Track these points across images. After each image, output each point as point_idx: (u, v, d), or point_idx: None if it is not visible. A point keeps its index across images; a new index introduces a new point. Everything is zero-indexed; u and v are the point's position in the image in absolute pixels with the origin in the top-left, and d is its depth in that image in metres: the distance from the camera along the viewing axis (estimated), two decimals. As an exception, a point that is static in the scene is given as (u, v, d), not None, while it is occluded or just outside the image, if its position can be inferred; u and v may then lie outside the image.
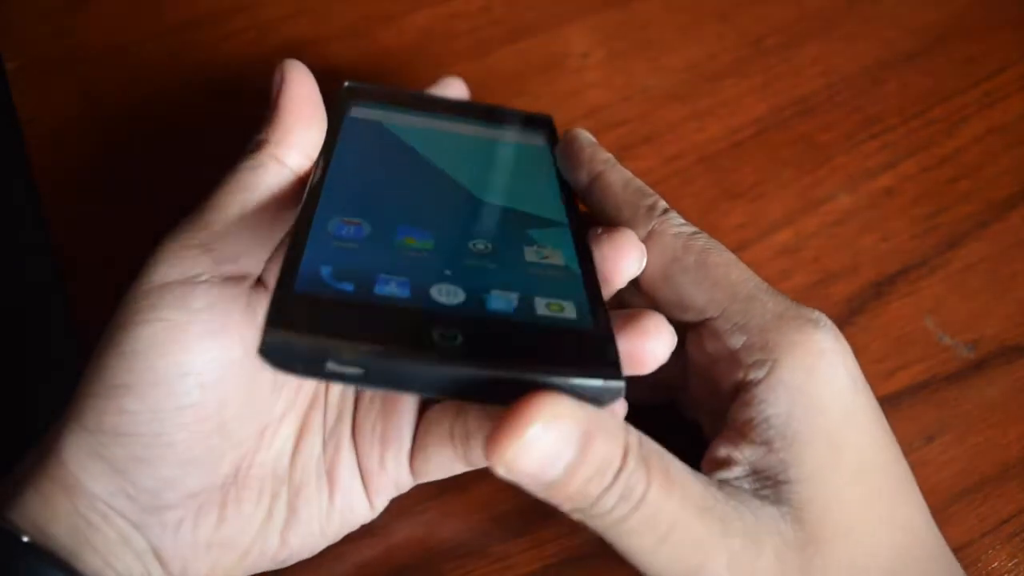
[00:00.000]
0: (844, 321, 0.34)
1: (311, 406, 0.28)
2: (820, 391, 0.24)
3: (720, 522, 0.23)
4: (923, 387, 0.33)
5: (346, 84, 0.30)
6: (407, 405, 0.28)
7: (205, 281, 0.24)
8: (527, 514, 0.30)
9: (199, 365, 0.23)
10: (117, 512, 0.23)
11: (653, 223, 0.26)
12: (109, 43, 0.39)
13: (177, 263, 0.24)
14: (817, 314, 0.25)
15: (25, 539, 0.22)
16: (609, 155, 0.28)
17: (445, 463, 0.27)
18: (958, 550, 0.30)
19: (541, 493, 0.21)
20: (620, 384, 0.21)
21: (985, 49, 0.40)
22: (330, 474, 0.27)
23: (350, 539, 0.29)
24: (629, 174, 0.28)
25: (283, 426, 0.27)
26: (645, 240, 0.26)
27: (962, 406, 0.32)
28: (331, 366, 0.20)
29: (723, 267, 0.25)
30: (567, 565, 0.29)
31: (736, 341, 0.25)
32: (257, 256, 0.25)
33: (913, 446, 0.31)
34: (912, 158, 0.38)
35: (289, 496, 0.26)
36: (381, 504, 0.28)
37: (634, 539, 0.22)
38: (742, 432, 0.24)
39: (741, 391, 0.25)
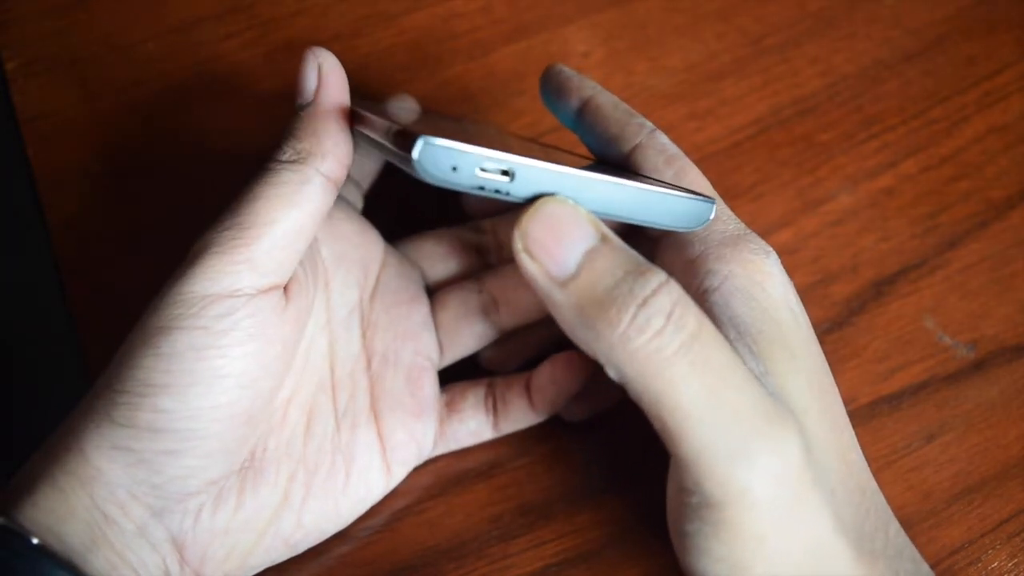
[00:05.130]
0: (844, 321, 0.34)
1: (318, 388, 0.28)
2: (772, 303, 0.25)
3: (767, 399, 0.22)
4: (923, 387, 0.33)
5: None
6: (432, 376, 0.30)
7: (247, 294, 0.24)
8: (527, 514, 0.30)
9: (239, 367, 0.24)
10: (138, 501, 0.24)
11: (641, 138, 0.27)
12: (109, 43, 0.39)
13: (222, 277, 0.24)
14: (770, 248, 0.26)
15: (35, 541, 0.22)
16: (596, 83, 0.29)
17: (475, 429, 0.30)
18: (958, 550, 0.30)
19: (566, 298, 0.22)
20: (712, 202, 0.25)
21: (985, 49, 0.40)
22: (346, 451, 0.28)
23: (352, 539, 0.29)
24: (617, 98, 0.29)
25: (292, 408, 0.27)
26: (632, 152, 0.27)
27: (962, 406, 0.32)
28: (481, 171, 0.21)
29: (696, 186, 0.27)
30: (567, 565, 0.29)
31: (695, 251, 0.25)
32: (292, 267, 0.26)
33: (913, 446, 0.31)
34: (912, 158, 0.38)
35: (305, 476, 0.27)
36: (400, 475, 0.29)
37: (689, 383, 0.21)
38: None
39: (699, 300, 0.25)
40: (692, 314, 0.22)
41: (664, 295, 0.22)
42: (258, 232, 0.24)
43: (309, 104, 0.26)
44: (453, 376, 0.31)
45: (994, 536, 0.30)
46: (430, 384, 0.30)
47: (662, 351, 0.21)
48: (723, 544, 0.22)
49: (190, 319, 0.23)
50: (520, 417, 0.30)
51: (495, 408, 0.30)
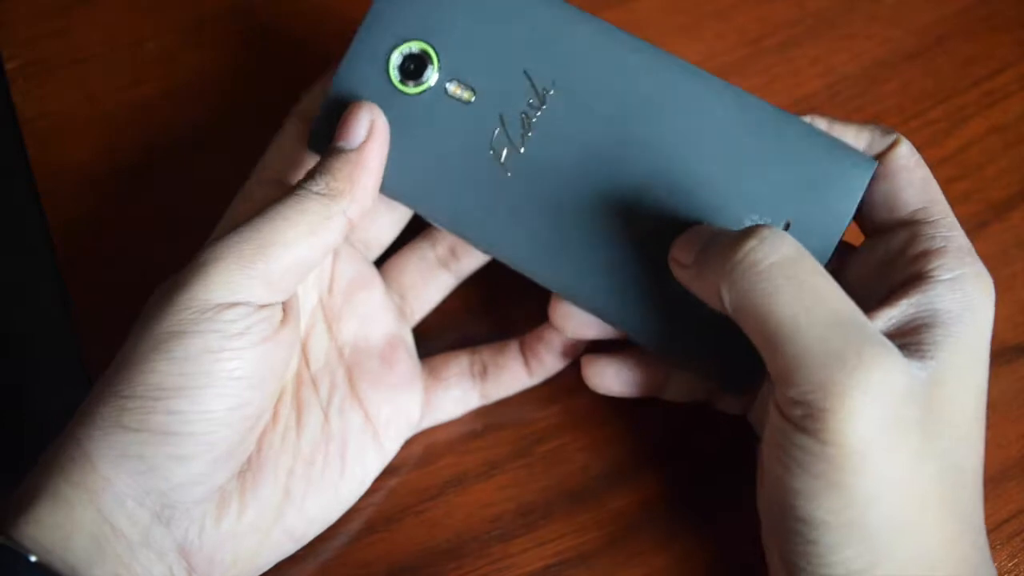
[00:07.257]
0: (844, 321, 0.34)
1: (299, 385, 0.29)
2: (977, 330, 0.26)
3: (863, 326, 0.23)
4: (923, 387, 0.33)
5: None
6: (405, 348, 0.31)
7: (255, 305, 0.25)
8: (527, 514, 0.30)
9: (251, 368, 0.24)
10: (146, 509, 0.24)
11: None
12: (109, 43, 0.39)
13: (237, 288, 0.24)
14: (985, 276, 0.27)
15: (32, 559, 0.22)
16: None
17: (461, 397, 0.31)
18: (958, 550, 0.30)
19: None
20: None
21: (985, 49, 0.40)
22: (338, 438, 0.28)
23: (352, 538, 0.29)
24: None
25: (280, 407, 0.28)
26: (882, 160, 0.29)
27: (962, 406, 0.32)
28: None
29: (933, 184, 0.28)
30: (567, 565, 0.29)
31: (937, 243, 0.26)
32: (293, 291, 0.26)
33: (913, 446, 0.31)
34: (912, 158, 0.38)
35: (303, 469, 0.27)
36: (393, 449, 0.30)
37: (780, 297, 0.23)
38: (910, 305, 0.25)
39: (921, 280, 0.25)
40: (791, 243, 0.24)
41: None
42: (277, 252, 0.25)
43: (352, 150, 0.27)
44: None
45: (994, 536, 0.30)
46: (406, 356, 0.31)
47: (757, 265, 0.23)
48: (821, 461, 0.23)
49: (204, 323, 0.24)
50: (512, 382, 0.31)
51: (484, 374, 0.31)
